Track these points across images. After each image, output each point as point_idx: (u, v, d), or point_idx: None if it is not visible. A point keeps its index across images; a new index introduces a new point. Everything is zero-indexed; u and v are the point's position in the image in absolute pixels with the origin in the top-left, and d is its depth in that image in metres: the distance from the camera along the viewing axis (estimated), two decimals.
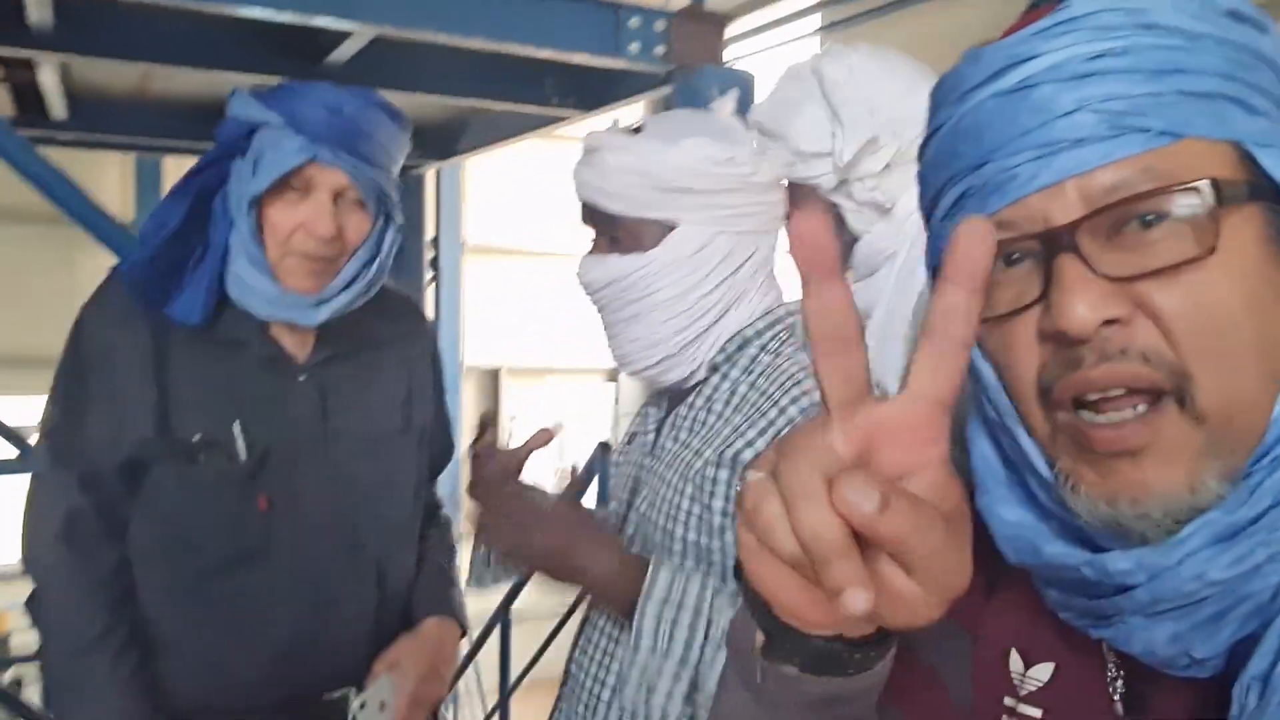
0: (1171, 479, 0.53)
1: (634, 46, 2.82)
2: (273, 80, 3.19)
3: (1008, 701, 0.64)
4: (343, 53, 3.10)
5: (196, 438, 1.39)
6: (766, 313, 1.22)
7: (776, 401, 1.15)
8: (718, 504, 1.15)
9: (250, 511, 1.41)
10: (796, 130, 1.31)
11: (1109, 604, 0.55)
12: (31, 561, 1.42)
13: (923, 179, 0.63)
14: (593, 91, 3.53)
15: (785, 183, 1.27)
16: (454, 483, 6.55)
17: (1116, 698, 0.59)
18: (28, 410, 2.97)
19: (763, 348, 1.21)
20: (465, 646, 4.77)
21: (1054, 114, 0.54)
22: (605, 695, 1.22)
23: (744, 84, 2.96)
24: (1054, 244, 0.54)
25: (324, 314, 1.41)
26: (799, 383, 1.15)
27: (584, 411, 9.48)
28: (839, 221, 1.35)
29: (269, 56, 3.20)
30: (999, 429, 0.61)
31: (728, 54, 3.30)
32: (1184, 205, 0.52)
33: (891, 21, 3.42)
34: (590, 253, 1.23)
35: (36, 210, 1.66)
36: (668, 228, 1.17)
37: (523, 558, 1.17)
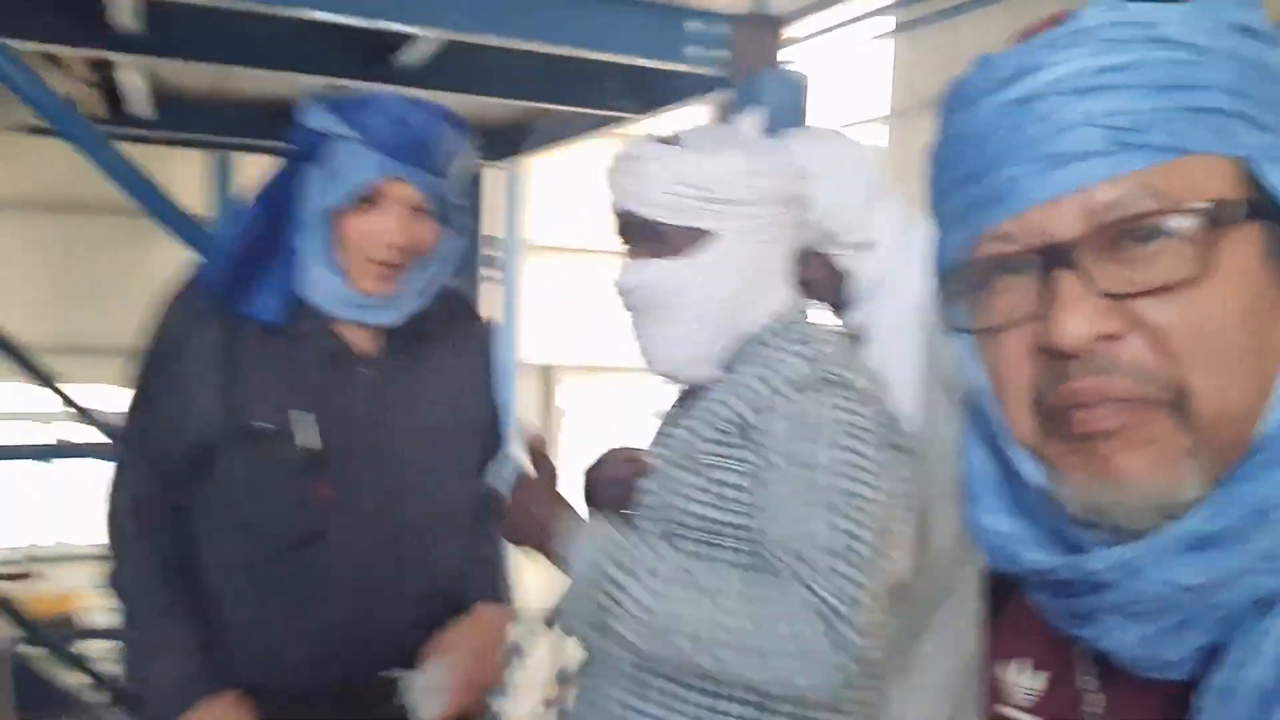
0: (1151, 469, 0.53)
1: (693, 50, 2.85)
2: (343, 82, 3.31)
3: (1000, 709, 0.67)
4: (410, 56, 3.19)
5: (260, 425, 1.46)
6: (777, 315, 1.29)
7: (766, 380, 1.22)
8: (718, 474, 1.22)
9: (308, 498, 1.47)
10: None
11: (1084, 603, 0.56)
12: (110, 537, 1.51)
13: (932, 182, 0.64)
14: (653, 94, 3.57)
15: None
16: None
17: (1089, 707, 0.61)
18: (107, 398, 3.12)
19: (765, 345, 1.27)
20: (520, 638, 4.86)
21: (1058, 127, 0.54)
22: (612, 662, 1.28)
23: (801, 87, 2.98)
24: (1053, 259, 0.54)
25: (394, 316, 1.50)
26: (780, 373, 1.21)
27: (637, 410, 9.54)
28: (830, 265, 1.70)
29: (339, 59, 3.30)
30: (990, 433, 0.61)
31: (790, 54, 3.32)
32: (1183, 225, 0.53)
33: (963, 22, 3.40)
34: (629, 258, 1.30)
35: (117, 203, 1.76)
36: (705, 235, 1.24)
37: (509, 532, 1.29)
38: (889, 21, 3.89)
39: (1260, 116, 0.55)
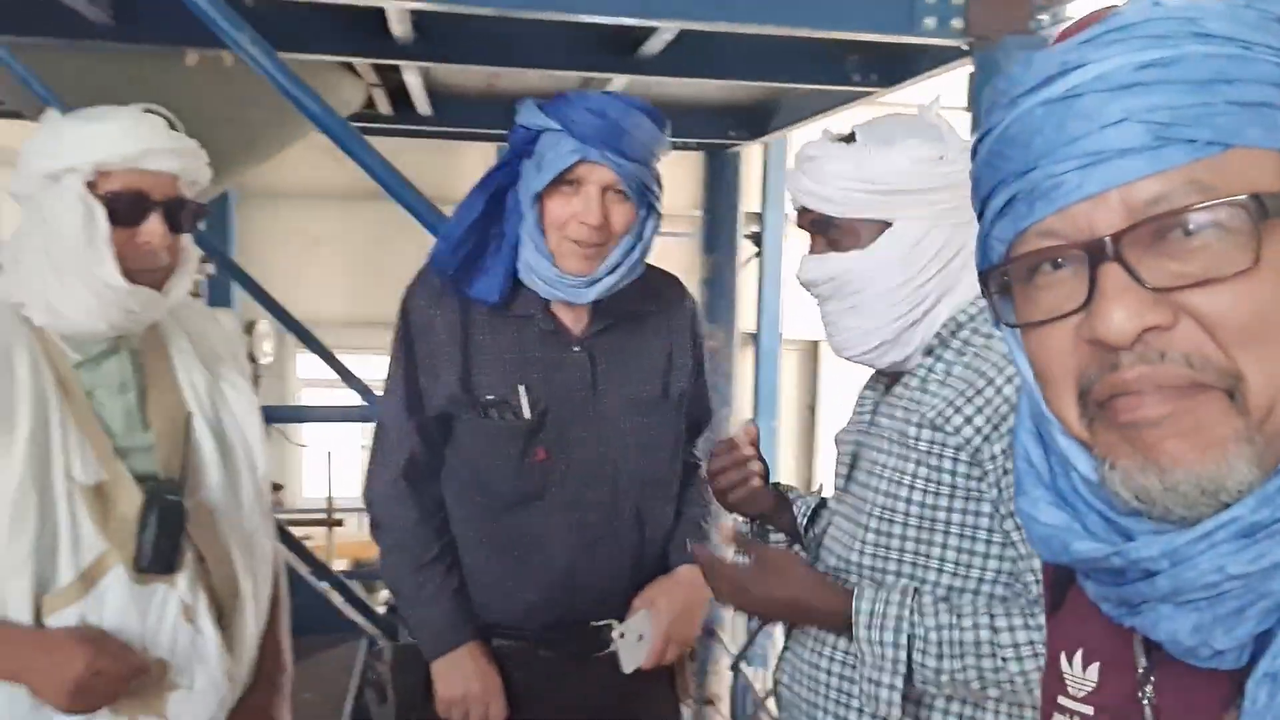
0: (1201, 455, 0.54)
1: (929, 22, 2.79)
2: (597, 76, 3.51)
3: (1061, 701, 0.68)
4: (653, 45, 3.34)
5: (490, 396, 1.65)
6: (979, 297, 1.28)
7: (991, 380, 1.22)
8: (946, 464, 1.24)
9: (531, 460, 1.65)
10: None
11: (1134, 591, 0.57)
12: (373, 496, 1.74)
13: (974, 179, 0.64)
14: (895, 67, 3.52)
15: None
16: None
17: (1144, 696, 0.62)
18: (370, 366, 3.53)
19: (974, 330, 1.28)
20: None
21: (1100, 123, 0.55)
22: (829, 638, 1.35)
23: None
24: (1098, 254, 0.55)
25: (594, 294, 1.62)
26: (998, 389, 1.21)
27: None
28: None
29: (591, 53, 3.51)
30: (1041, 424, 0.63)
31: (1047, 19, 3.15)
32: (1228, 218, 0.53)
33: None
34: (810, 253, 1.34)
35: (382, 191, 2.02)
36: (884, 225, 1.26)
37: (750, 608, 1.38)
38: None
39: None
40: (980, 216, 0.64)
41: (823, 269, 1.30)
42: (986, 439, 1.21)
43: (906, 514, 1.27)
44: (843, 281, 1.29)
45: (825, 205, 1.28)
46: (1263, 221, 0.53)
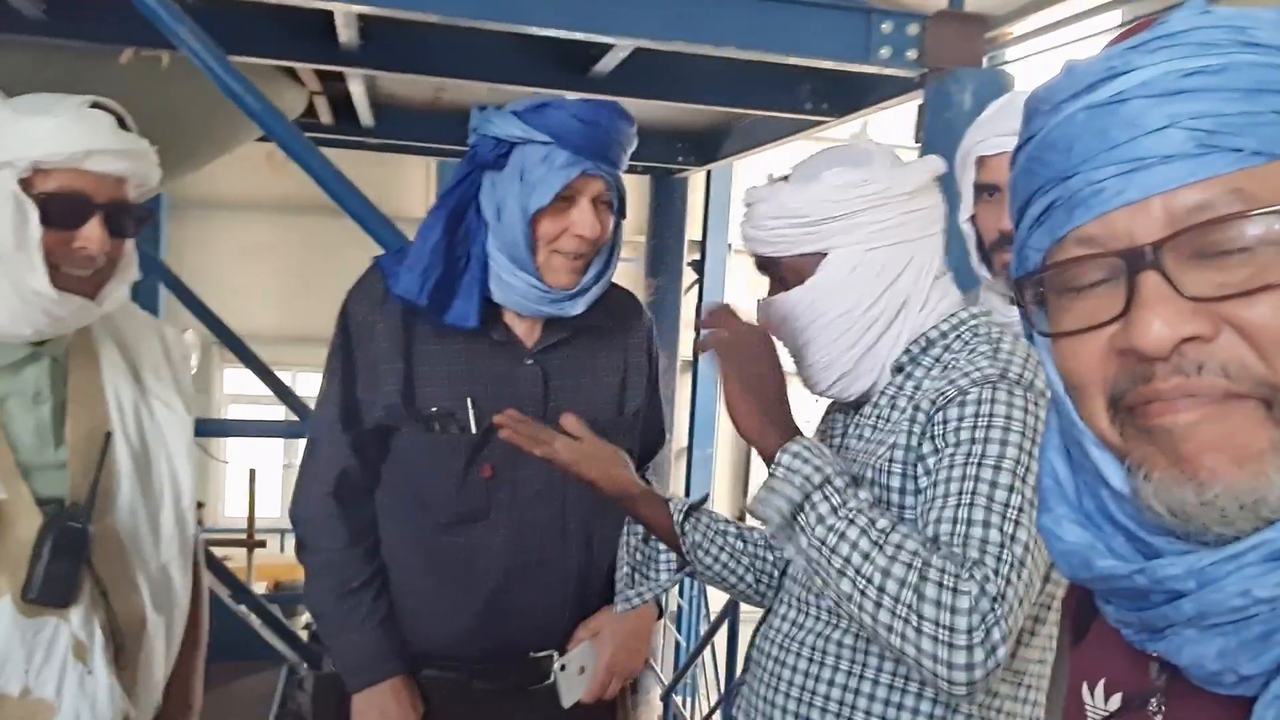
0: (1240, 468, 0.52)
1: (884, 51, 2.80)
2: (546, 91, 3.47)
3: None
4: (607, 64, 3.30)
5: (434, 408, 1.56)
6: (950, 314, 1.27)
7: (953, 381, 1.20)
8: (894, 482, 1.21)
9: (475, 477, 1.57)
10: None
11: (1159, 614, 0.55)
12: (302, 514, 1.63)
13: (1012, 187, 0.63)
14: (847, 97, 3.54)
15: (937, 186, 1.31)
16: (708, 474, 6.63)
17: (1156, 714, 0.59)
18: (300, 383, 3.42)
19: (946, 348, 1.26)
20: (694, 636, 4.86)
21: (1143, 130, 0.54)
22: (785, 674, 1.29)
23: (1001, 85, 2.87)
24: (1137, 262, 0.54)
25: (582, 305, 1.56)
26: (967, 374, 1.19)
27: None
28: None
29: (542, 69, 3.46)
30: (1070, 441, 0.61)
31: (1005, 54, 3.19)
32: (1271, 228, 0.52)
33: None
34: (765, 297, 1.34)
35: (320, 203, 1.93)
36: (818, 257, 1.25)
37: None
38: (1114, 17, 3.67)
39: None
40: (1016, 226, 0.63)
41: (771, 310, 1.30)
42: (937, 407, 1.19)
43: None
44: (792, 318, 1.28)
45: (764, 247, 1.29)
46: None
